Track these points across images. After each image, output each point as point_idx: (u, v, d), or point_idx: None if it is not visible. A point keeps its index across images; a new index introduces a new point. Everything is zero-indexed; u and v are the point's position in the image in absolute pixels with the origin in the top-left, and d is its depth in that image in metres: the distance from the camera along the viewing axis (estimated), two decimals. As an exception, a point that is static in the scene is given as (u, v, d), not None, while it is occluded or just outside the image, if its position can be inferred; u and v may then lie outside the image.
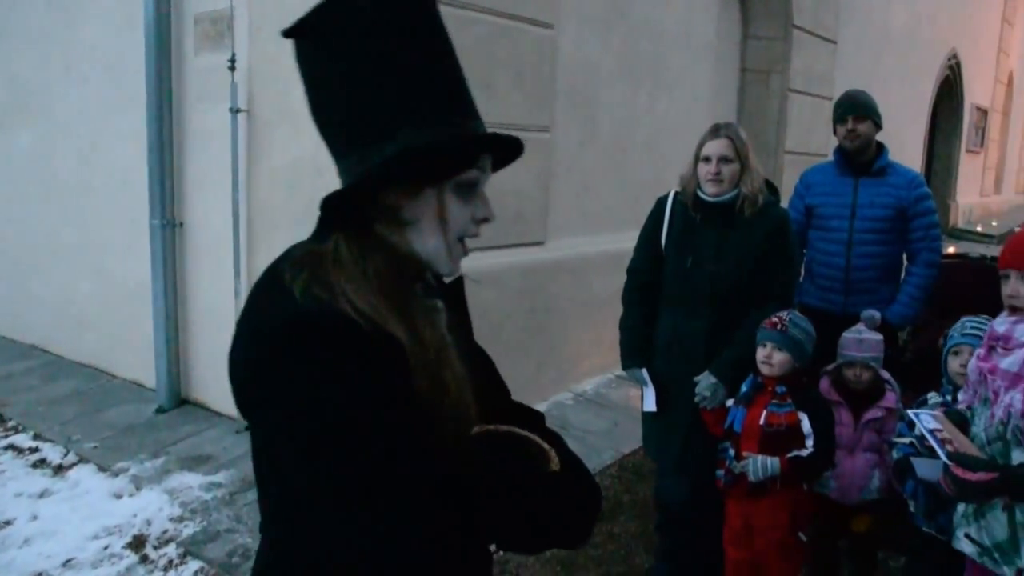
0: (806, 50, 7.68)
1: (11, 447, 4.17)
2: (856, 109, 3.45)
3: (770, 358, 2.56)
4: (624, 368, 2.98)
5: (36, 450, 4.13)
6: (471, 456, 1.03)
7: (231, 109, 4.10)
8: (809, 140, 7.86)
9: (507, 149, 1.12)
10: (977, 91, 15.15)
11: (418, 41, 1.02)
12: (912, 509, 2.48)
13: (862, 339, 2.77)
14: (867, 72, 9.13)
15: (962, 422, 2.19)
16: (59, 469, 3.94)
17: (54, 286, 5.59)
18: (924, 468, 2.21)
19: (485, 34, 4.33)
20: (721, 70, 7.05)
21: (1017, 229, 2.51)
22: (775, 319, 2.59)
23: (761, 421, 2.55)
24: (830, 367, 2.86)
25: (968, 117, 14.79)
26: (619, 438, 4.48)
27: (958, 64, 13.75)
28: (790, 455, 2.50)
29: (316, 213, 1.04)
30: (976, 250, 5.14)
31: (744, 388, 2.65)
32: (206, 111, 4.39)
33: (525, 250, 4.85)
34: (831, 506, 2.80)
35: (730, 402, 2.70)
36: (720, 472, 2.66)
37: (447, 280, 1.15)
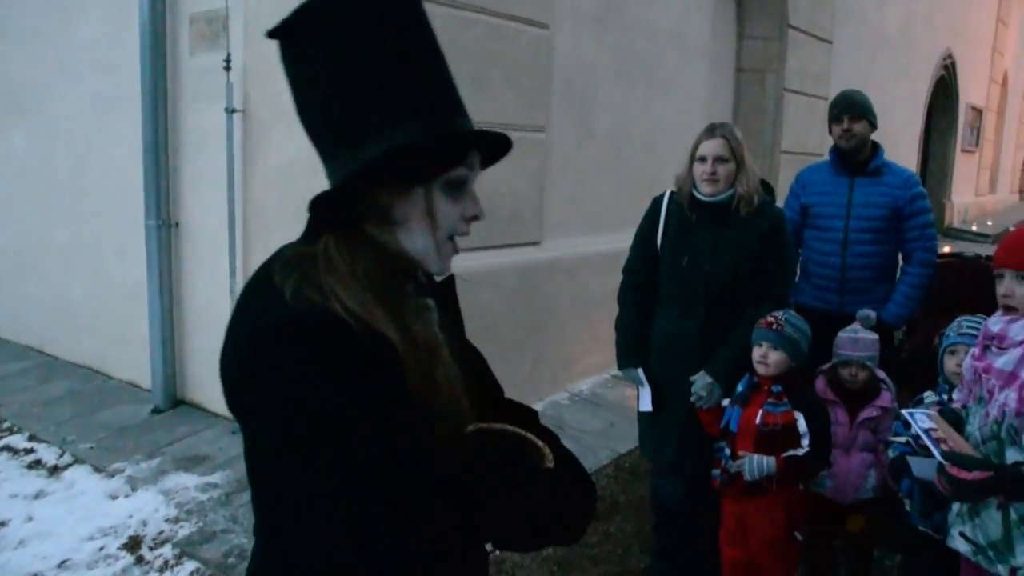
0: (802, 50, 7.69)
1: (6, 448, 4.16)
2: (852, 109, 3.46)
3: (766, 357, 2.57)
4: (620, 368, 2.98)
5: (31, 451, 4.12)
6: (466, 455, 1.03)
7: (226, 109, 4.09)
8: (805, 140, 7.87)
9: (496, 146, 1.12)
10: (972, 91, 15.19)
11: (404, 39, 1.02)
12: (908, 508, 2.48)
13: (858, 338, 2.77)
14: (863, 72, 9.15)
15: (957, 421, 2.19)
16: (54, 470, 3.93)
17: (49, 287, 5.57)
18: (920, 467, 2.21)
19: (481, 34, 4.33)
20: (717, 70, 7.05)
21: (1012, 228, 2.51)
22: (771, 318, 2.59)
23: (757, 420, 2.55)
24: (826, 366, 2.87)
25: (963, 117, 14.82)
26: (615, 438, 4.48)
27: (953, 64, 13.78)
28: (786, 454, 2.50)
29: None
30: (971, 249, 5.15)
31: (740, 388, 2.65)
32: (201, 111, 4.38)
33: (521, 250, 4.85)
34: (826, 505, 2.80)
35: (726, 402, 2.70)
36: (716, 472, 2.66)
37: (438, 279, 1.15)
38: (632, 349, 2.92)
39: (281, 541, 1.03)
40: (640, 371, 2.89)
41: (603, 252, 5.12)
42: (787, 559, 2.65)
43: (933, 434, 2.08)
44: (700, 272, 2.75)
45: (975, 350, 2.21)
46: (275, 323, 0.94)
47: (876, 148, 3.53)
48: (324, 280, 0.96)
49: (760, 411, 2.56)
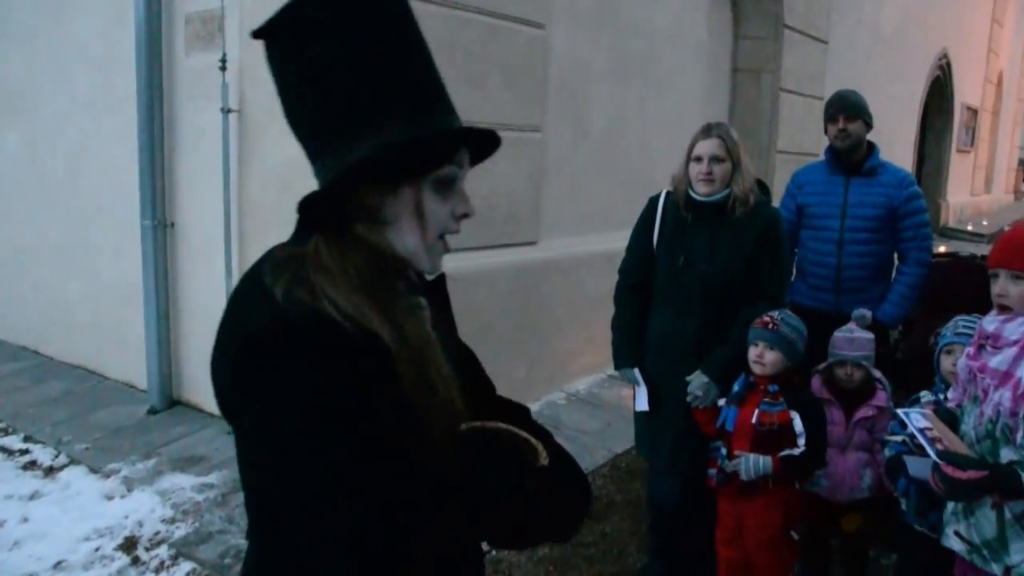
0: (797, 50, 7.70)
1: (1, 449, 4.15)
2: (847, 109, 3.47)
3: (762, 357, 2.57)
4: (616, 368, 2.99)
5: (27, 452, 4.11)
6: (460, 454, 1.03)
7: (222, 109, 4.09)
8: (800, 140, 7.89)
9: (485, 143, 1.11)
10: (967, 91, 15.23)
11: (390, 37, 1.01)
12: (904, 507, 2.49)
13: (853, 338, 2.78)
14: (858, 72, 9.17)
15: (951, 420, 2.20)
16: (50, 471, 3.92)
17: (44, 287, 5.56)
18: (916, 466, 2.22)
19: (476, 34, 4.33)
20: (712, 70, 7.06)
21: (1007, 228, 2.52)
22: (767, 318, 2.59)
23: (753, 420, 2.55)
24: (821, 366, 2.87)
25: (958, 117, 14.87)
26: (612, 438, 4.48)
27: (948, 64, 13.82)
28: (782, 454, 2.50)
29: (302, 214, 1.03)
30: (966, 249, 5.17)
31: (736, 387, 2.65)
32: (197, 111, 4.37)
33: (517, 250, 4.85)
34: (822, 504, 2.81)
35: (722, 401, 2.70)
36: (712, 471, 2.66)
37: (429, 278, 1.14)
38: (628, 349, 2.93)
39: (275, 544, 1.02)
40: (636, 371, 2.89)
41: (599, 252, 5.12)
42: (783, 558, 2.65)
43: (928, 433, 2.09)
44: (696, 272, 2.75)
45: (970, 349, 2.21)
46: (267, 324, 0.93)
47: (872, 148, 3.53)
48: (315, 280, 0.96)
49: (756, 411, 2.56)
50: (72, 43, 5.09)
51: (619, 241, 3.14)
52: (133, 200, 4.52)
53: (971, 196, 17.05)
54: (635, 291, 2.94)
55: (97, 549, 3.25)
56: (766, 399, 2.56)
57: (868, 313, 2.88)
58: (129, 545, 3.28)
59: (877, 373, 2.83)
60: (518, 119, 4.67)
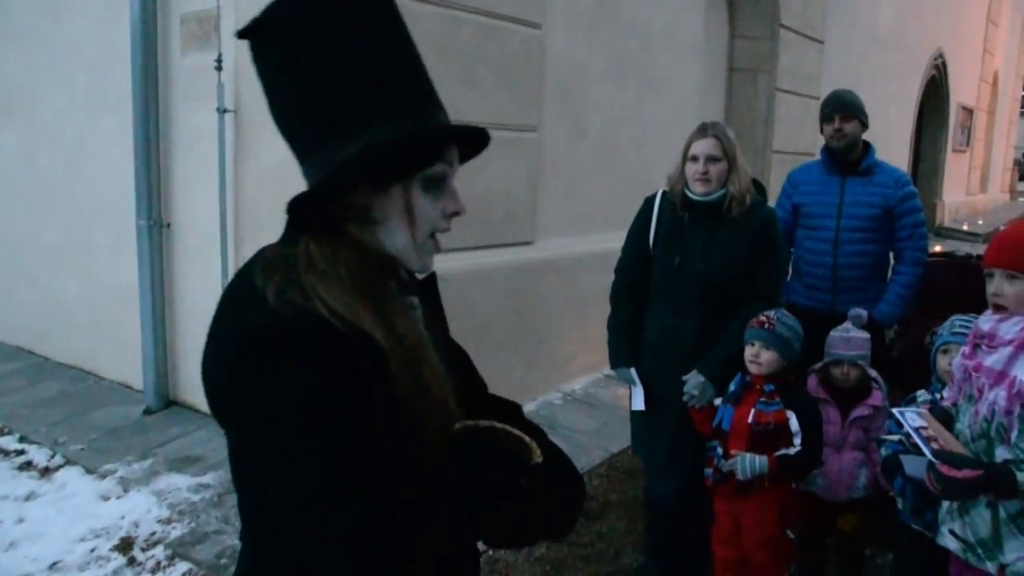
0: (793, 50, 7.71)
1: (-3, 450, 4.15)
2: (843, 108, 3.47)
3: (758, 357, 2.57)
4: (612, 367, 2.99)
5: (22, 452, 4.10)
6: (454, 453, 1.02)
7: (218, 109, 4.08)
8: (796, 139, 7.90)
9: (474, 141, 1.11)
10: (963, 91, 15.26)
11: (375, 35, 1.00)
12: (900, 506, 2.49)
13: (849, 337, 2.78)
14: (854, 71, 9.19)
15: (947, 419, 2.20)
16: (45, 471, 3.91)
17: (40, 287, 5.55)
18: (912, 465, 2.22)
19: (473, 34, 4.33)
20: (709, 69, 7.07)
21: (1002, 228, 2.52)
22: (763, 318, 2.60)
23: (749, 420, 2.56)
24: (818, 365, 2.88)
25: (954, 116, 14.89)
26: (608, 437, 4.48)
27: (944, 64, 13.84)
28: (778, 453, 2.51)
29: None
30: (962, 248, 5.17)
31: (732, 387, 2.66)
32: (193, 111, 4.36)
33: (513, 250, 4.85)
34: (818, 504, 2.81)
35: (718, 401, 2.71)
36: (708, 471, 2.67)
37: (420, 277, 1.14)
38: (625, 348, 2.93)
39: (273, 544, 1.00)
40: (633, 370, 2.90)
41: (596, 252, 5.12)
42: (779, 558, 2.66)
43: (923, 432, 2.09)
44: (692, 271, 2.75)
45: (965, 348, 2.22)
46: (259, 325, 0.92)
47: (867, 148, 3.54)
48: (306, 281, 0.95)
49: (752, 410, 2.56)
50: (69, 43, 5.08)
51: (615, 241, 3.14)
52: (129, 200, 4.51)
53: (967, 196, 17.08)
54: (631, 291, 2.94)
55: (93, 550, 3.24)
56: (762, 399, 2.56)
57: (864, 312, 2.88)
58: (125, 546, 3.27)
59: (873, 372, 2.84)
60: (514, 119, 4.67)
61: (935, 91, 13.99)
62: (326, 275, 0.96)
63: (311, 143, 1.01)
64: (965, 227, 14.16)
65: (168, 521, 3.43)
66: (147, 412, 4.55)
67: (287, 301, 0.93)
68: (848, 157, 3.51)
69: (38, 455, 4.06)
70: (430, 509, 0.96)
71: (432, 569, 1.00)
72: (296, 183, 1.04)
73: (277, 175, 3.96)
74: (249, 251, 1.06)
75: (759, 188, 2.85)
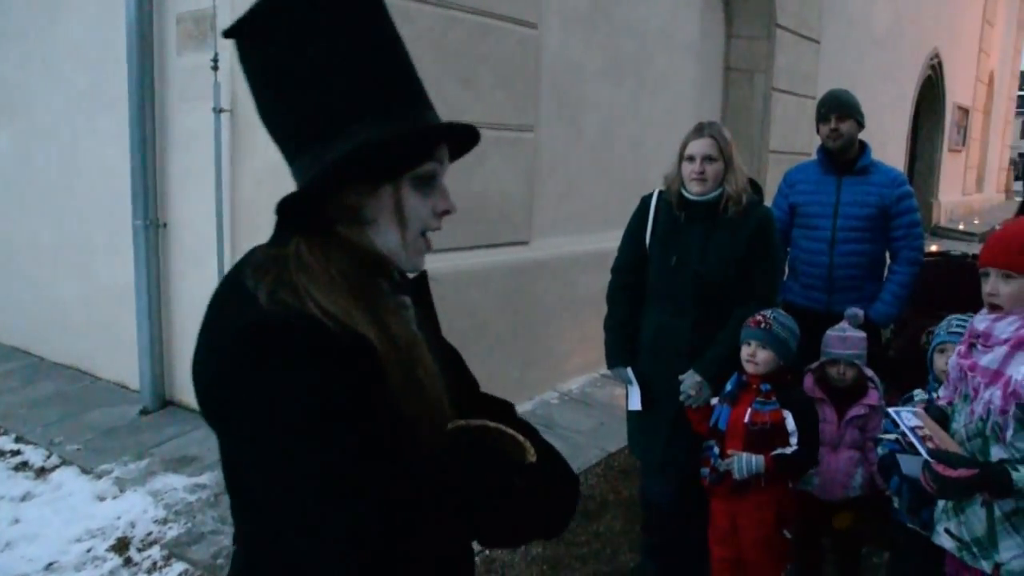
0: (790, 49, 7.71)
1: (-7, 450, 4.14)
2: (839, 108, 3.48)
3: (754, 356, 2.58)
4: (609, 367, 2.99)
5: (18, 453, 4.09)
6: (448, 453, 1.02)
7: (214, 109, 4.07)
8: (793, 139, 7.90)
9: (464, 139, 1.10)
10: (959, 90, 15.29)
11: (363, 34, 1.00)
12: (896, 505, 2.50)
13: (846, 337, 2.78)
14: (850, 71, 9.20)
15: (942, 418, 2.21)
16: (41, 472, 3.90)
17: (36, 287, 5.54)
18: (909, 465, 2.22)
19: (469, 34, 4.33)
20: (705, 69, 7.07)
21: (998, 227, 2.53)
22: (759, 317, 2.60)
23: (746, 419, 2.56)
24: (814, 365, 2.88)
25: (950, 116, 14.93)
26: (605, 437, 4.48)
27: (940, 64, 13.87)
28: (774, 453, 2.51)
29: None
30: (958, 248, 5.19)
31: (728, 386, 2.66)
32: (189, 111, 4.36)
33: (510, 250, 4.85)
34: (814, 503, 2.81)
35: (715, 400, 2.71)
36: (705, 470, 2.67)
37: (411, 276, 1.14)
38: (621, 348, 2.93)
39: (271, 544, 0.99)
40: (629, 370, 2.90)
41: (592, 251, 5.12)
42: (776, 557, 2.66)
43: (919, 432, 2.10)
44: (688, 271, 2.75)
45: (961, 348, 2.22)
46: (251, 326, 0.92)
47: (863, 147, 3.55)
48: (298, 282, 0.95)
49: (749, 410, 2.57)
50: (65, 43, 5.07)
51: (612, 241, 3.14)
52: (125, 200, 4.51)
53: (962, 195, 17.12)
54: (628, 290, 2.94)
55: (89, 550, 3.24)
56: (759, 398, 2.56)
57: (860, 312, 2.89)
58: (121, 546, 3.27)
59: (869, 372, 2.84)
60: (510, 119, 4.67)
61: (931, 91, 14.02)
62: (318, 275, 0.96)
63: (300, 143, 1.01)
64: (961, 227, 14.19)
65: (164, 521, 3.42)
66: (143, 412, 4.55)
67: (279, 302, 0.93)
68: (844, 157, 3.51)
69: (34, 455, 4.06)
70: (429, 509, 0.96)
71: (431, 569, 0.99)
72: (292, 183, 1.04)
73: (273, 175, 3.94)
74: (246, 250, 1.06)
75: (755, 188, 2.86)
